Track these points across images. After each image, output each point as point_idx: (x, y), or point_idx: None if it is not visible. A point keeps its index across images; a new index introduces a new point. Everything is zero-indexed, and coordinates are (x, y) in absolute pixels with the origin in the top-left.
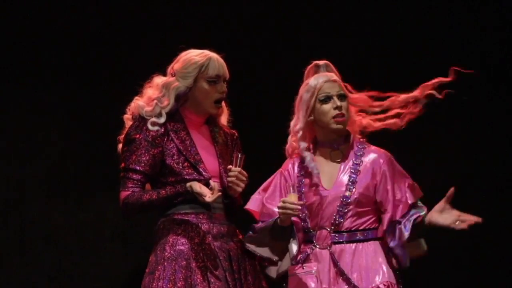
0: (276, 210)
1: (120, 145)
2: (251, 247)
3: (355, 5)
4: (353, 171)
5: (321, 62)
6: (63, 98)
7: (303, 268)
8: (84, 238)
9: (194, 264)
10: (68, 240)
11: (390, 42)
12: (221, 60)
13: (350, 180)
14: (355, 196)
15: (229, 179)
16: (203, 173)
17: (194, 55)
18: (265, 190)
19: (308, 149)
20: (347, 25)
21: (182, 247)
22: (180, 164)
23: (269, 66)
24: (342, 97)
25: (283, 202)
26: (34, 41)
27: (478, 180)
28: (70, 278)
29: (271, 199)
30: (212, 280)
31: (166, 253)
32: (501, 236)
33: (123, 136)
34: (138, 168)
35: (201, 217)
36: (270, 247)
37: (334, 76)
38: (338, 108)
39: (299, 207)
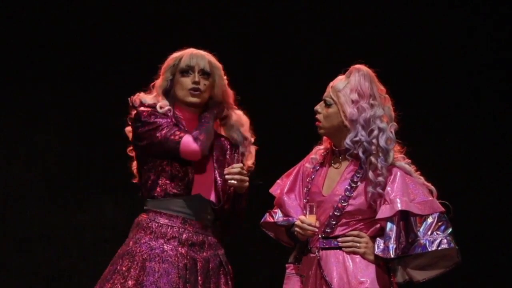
0: (288, 201)
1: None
2: (267, 232)
3: (355, 6)
4: (351, 182)
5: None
6: (63, 100)
7: (297, 269)
8: (83, 239)
9: (147, 264)
10: (67, 240)
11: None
12: (200, 54)
13: (346, 191)
14: (347, 209)
15: (230, 177)
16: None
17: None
18: (287, 176)
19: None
20: (349, 26)
21: (143, 246)
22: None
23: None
24: None
25: (302, 221)
26: (34, 43)
27: (477, 181)
28: (69, 278)
29: (290, 191)
30: (161, 284)
31: (128, 248)
32: (501, 237)
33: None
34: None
35: (174, 220)
36: (285, 237)
37: None
38: None
39: (316, 230)
